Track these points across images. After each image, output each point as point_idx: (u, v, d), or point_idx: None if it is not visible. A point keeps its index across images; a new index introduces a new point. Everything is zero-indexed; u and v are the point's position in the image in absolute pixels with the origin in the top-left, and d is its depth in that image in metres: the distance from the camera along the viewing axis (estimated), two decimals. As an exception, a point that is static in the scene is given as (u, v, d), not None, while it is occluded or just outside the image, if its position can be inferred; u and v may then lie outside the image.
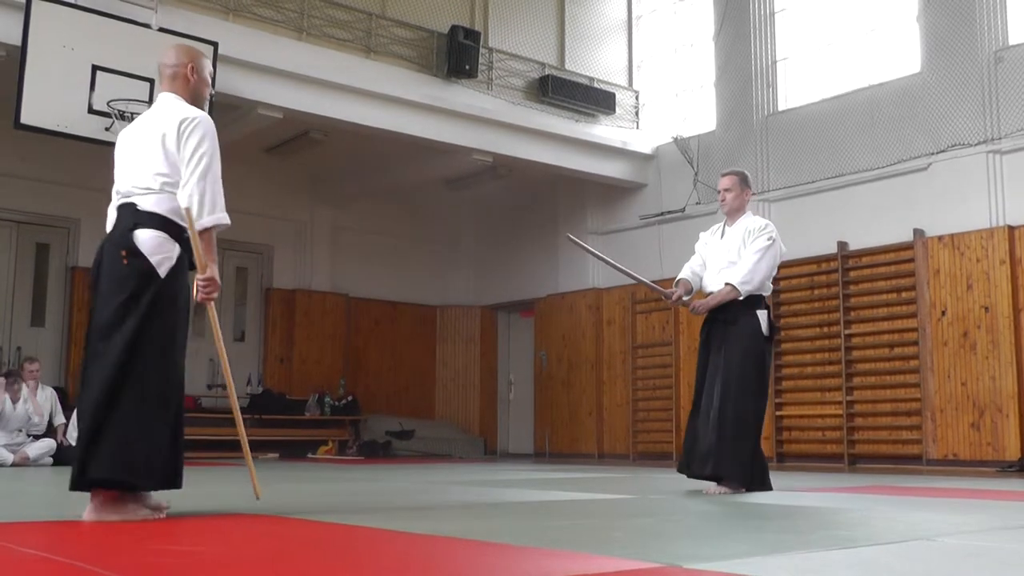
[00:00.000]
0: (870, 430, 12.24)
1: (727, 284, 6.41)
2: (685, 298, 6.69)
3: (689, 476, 6.48)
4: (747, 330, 6.39)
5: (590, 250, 7.20)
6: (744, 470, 6.23)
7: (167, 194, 4.32)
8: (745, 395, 6.28)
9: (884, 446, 12.08)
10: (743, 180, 6.77)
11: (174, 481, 4.31)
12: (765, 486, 6.32)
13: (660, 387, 14.59)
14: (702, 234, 6.97)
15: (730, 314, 6.44)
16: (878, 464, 11.88)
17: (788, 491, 7.01)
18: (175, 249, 4.34)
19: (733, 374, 6.30)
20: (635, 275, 6.97)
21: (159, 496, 4.42)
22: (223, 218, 4.47)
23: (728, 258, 6.53)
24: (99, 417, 4.06)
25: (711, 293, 6.56)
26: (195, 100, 4.57)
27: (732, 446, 6.17)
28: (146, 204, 4.31)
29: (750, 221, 6.64)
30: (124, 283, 4.18)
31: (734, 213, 6.69)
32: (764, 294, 6.55)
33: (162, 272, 4.26)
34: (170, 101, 4.51)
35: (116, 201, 4.40)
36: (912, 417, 11.77)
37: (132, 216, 4.28)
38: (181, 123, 4.34)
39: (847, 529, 4.07)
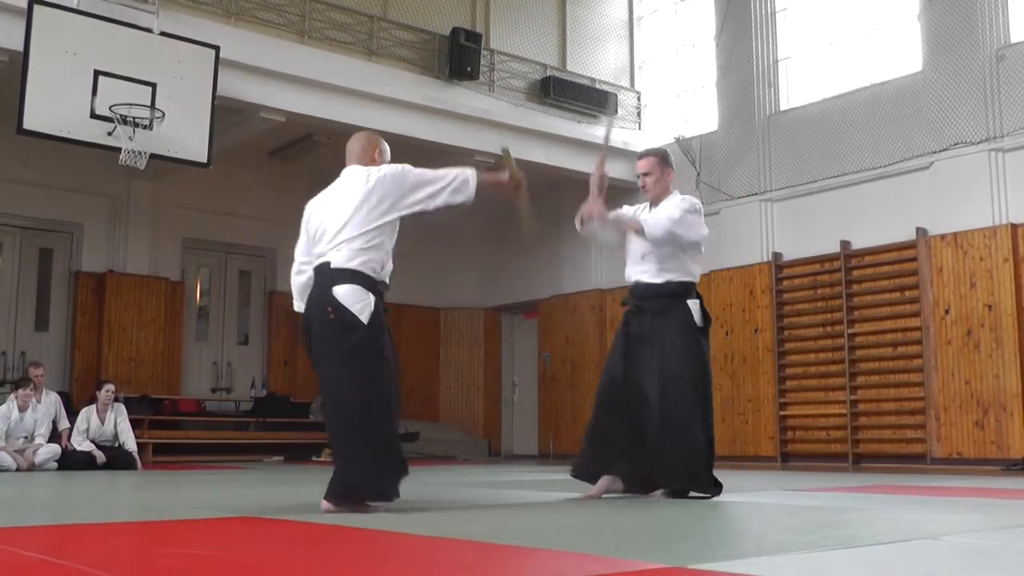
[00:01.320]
0: (874, 429, 12.23)
1: (639, 222, 5.84)
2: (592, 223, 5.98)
3: (592, 480, 5.85)
4: (680, 323, 5.81)
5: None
6: (697, 476, 5.70)
7: (357, 248, 4.91)
8: (688, 397, 5.71)
9: (888, 445, 12.07)
10: (663, 160, 6.14)
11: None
12: (717, 487, 5.77)
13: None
14: (630, 208, 6.29)
15: (658, 303, 5.86)
16: (882, 463, 11.86)
17: (792, 491, 7.01)
18: (370, 297, 4.88)
19: (673, 376, 5.70)
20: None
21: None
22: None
23: (648, 247, 5.92)
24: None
25: (635, 284, 5.99)
26: None
27: (681, 453, 5.64)
28: (338, 261, 4.90)
29: (672, 202, 5.99)
30: (335, 333, 4.84)
31: (657, 198, 6.07)
32: (693, 280, 5.96)
33: (364, 319, 4.83)
34: (358, 170, 5.14)
35: (315, 263, 5.02)
36: (916, 416, 11.76)
37: (329, 275, 4.89)
38: (368, 174, 5.04)
39: (852, 528, 4.07)
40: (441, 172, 5.10)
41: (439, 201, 5.07)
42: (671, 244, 5.83)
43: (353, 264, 4.89)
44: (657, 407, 5.70)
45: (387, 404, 4.91)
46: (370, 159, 5.24)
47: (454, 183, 5.06)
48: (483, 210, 17.13)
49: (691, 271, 5.95)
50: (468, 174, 5.08)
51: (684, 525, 4.31)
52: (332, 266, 4.88)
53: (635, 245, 6.04)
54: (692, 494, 5.68)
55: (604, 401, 5.99)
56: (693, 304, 5.90)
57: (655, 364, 5.76)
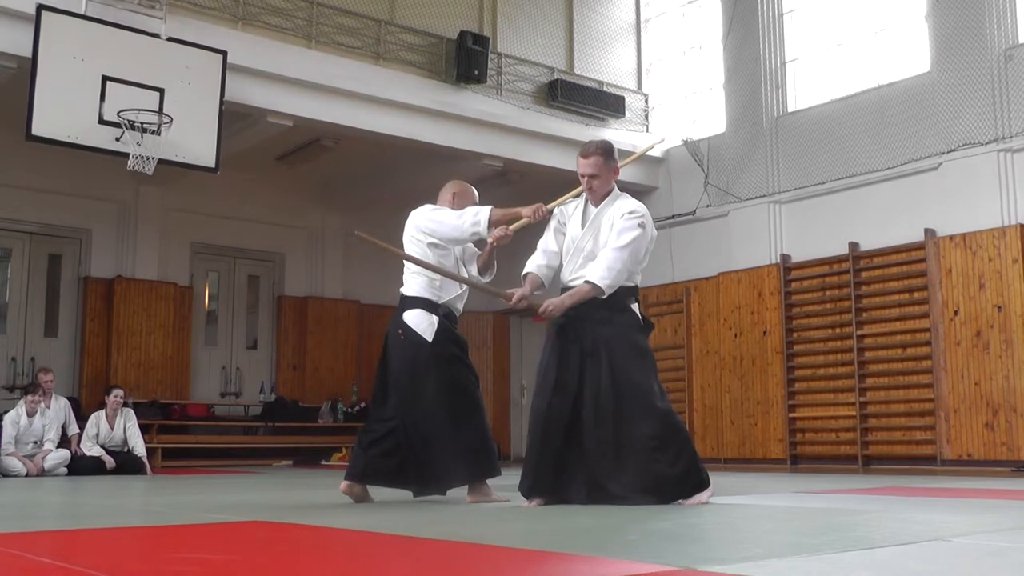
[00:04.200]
0: (884, 431, 12.20)
1: (586, 283, 5.38)
2: (537, 293, 5.71)
3: (554, 502, 5.39)
4: (628, 330, 5.50)
5: (385, 246, 5.85)
6: (692, 476, 5.38)
7: (421, 278, 5.89)
8: (654, 404, 5.37)
9: (898, 447, 12.04)
10: (607, 156, 5.61)
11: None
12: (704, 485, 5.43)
13: (673, 391, 14.50)
14: (559, 211, 5.81)
15: (600, 311, 5.45)
16: (892, 465, 11.83)
17: (802, 493, 6.99)
18: (433, 318, 5.82)
19: (632, 388, 5.36)
20: (456, 275, 5.90)
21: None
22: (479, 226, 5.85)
23: (593, 249, 5.54)
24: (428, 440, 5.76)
25: (570, 286, 5.58)
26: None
27: (654, 471, 5.27)
28: (408, 290, 5.95)
29: (617, 206, 5.58)
30: (406, 350, 5.80)
31: (601, 197, 5.62)
32: (635, 284, 5.63)
33: (428, 338, 5.77)
34: (428, 210, 6.00)
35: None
36: (926, 417, 11.73)
37: (401, 303, 5.96)
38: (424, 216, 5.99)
39: (862, 530, 4.06)
40: (452, 217, 5.88)
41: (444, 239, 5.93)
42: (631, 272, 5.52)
43: (415, 292, 5.89)
44: (611, 426, 5.30)
45: (455, 404, 5.79)
46: (447, 202, 6.02)
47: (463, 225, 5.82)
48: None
49: (635, 277, 5.61)
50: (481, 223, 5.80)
51: (693, 527, 4.30)
52: (403, 294, 5.95)
53: (575, 251, 5.65)
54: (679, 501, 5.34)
55: (538, 420, 5.50)
56: (635, 307, 5.62)
57: (603, 378, 5.37)
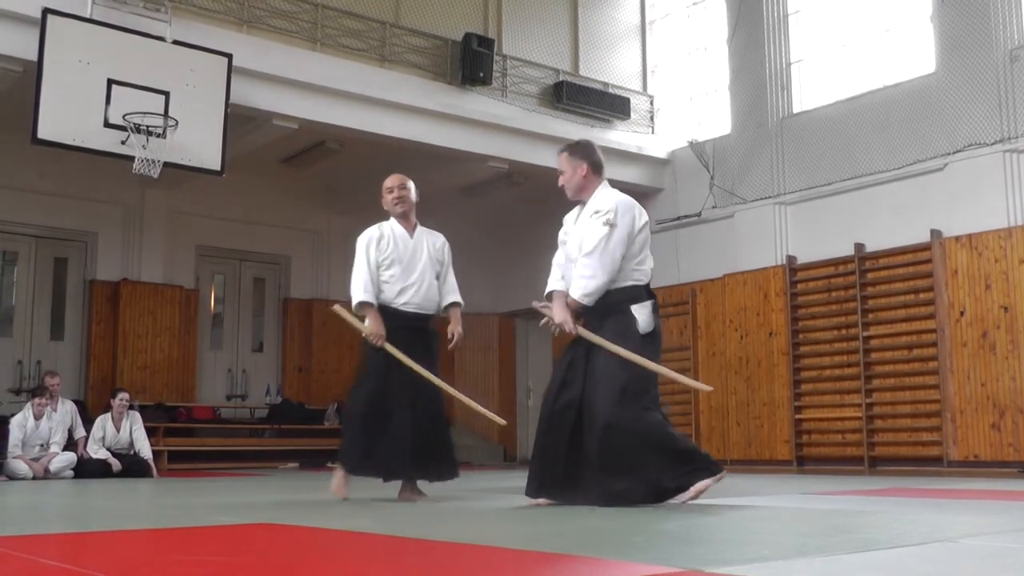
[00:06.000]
0: (890, 432, 12.18)
1: (570, 298, 5.46)
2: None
3: (558, 502, 5.39)
4: (616, 332, 5.35)
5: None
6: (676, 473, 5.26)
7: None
8: (616, 406, 5.21)
9: (904, 448, 12.02)
10: (571, 152, 5.72)
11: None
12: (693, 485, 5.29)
13: (678, 391, 14.48)
14: (567, 219, 5.89)
15: (598, 314, 5.45)
16: (898, 466, 11.82)
17: (808, 494, 6.99)
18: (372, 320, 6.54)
19: (602, 386, 5.27)
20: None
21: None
22: (354, 297, 6.85)
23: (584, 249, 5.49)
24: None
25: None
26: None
27: (605, 465, 5.20)
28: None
29: (589, 205, 5.62)
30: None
31: (578, 194, 5.68)
32: (638, 283, 5.51)
33: (365, 334, 6.53)
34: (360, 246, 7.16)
35: None
36: (932, 419, 11.71)
37: None
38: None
39: (868, 532, 4.05)
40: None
41: None
42: (616, 272, 5.44)
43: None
44: (587, 420, 5.30)
45: (369, 395, 6.58)
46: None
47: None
48: (497, 216, 17.21)
49: (634, 275, 5.50)
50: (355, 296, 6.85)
51: (699, 528, 4.29)
52: None
53: (573, 247, 5.63)
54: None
55: (543, 422, 5.53)
56: (638, 309, 5.44)
57: (594, 381, 5.33)
